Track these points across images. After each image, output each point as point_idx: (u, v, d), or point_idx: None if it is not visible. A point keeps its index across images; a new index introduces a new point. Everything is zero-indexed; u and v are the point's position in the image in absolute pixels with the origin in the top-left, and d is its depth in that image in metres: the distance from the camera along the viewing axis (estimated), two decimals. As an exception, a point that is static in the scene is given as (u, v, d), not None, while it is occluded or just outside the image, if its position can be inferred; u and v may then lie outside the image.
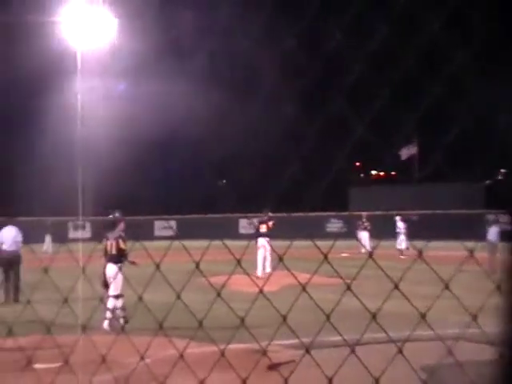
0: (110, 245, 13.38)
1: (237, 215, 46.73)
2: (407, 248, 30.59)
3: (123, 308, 12.99)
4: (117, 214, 13.91)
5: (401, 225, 32.67)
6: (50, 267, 3.64)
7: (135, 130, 38.31)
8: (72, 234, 48.72)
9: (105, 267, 13.14)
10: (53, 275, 3.63)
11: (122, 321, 12.82)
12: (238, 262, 2.74)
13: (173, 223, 48.59)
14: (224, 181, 48.05)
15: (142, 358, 3.41)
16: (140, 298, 2.87)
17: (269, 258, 22.58)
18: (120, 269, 12.99)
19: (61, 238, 36.94)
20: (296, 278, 2.80)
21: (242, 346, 8.70)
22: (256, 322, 3.54)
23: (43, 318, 3.72)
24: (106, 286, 12.97)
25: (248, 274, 3.08)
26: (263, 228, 23.02)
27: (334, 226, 50.00)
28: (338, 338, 3.76)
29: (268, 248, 22.37)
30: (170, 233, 47.06)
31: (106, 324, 12.79)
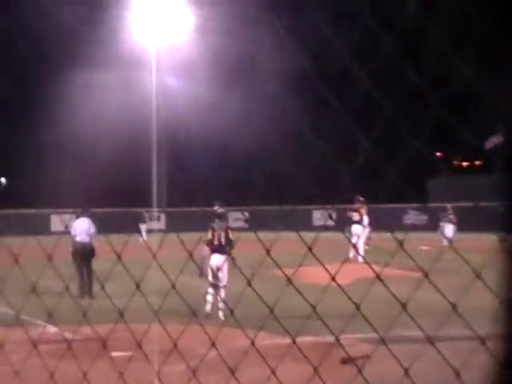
0: (219, 235, 13.37)
1: (316, 207, 46.48)
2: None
3: (223, 300, 13.04)
4: (217, 207, 13.95)
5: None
6: (132, 258, 3.68)
7: (209, 126, 38.64)
8: (149, 225, 49.63)
9: (208, 257, 13.17)
10: (129, 265, 3.67)
11: (220, 313, 12.91)
12: (310, 249, 2.69)
13: (247, 214, 48.83)
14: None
15: (214, 346, 3.41)
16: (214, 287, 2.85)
17: (360, 247, 22.45)
18: (225, 260, 13.07)
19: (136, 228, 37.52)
20: (373, 268, 2.73)
21: (314, 338, 8.64)
22: (328, 314, 3.49)
23: (118, 306, 3.77)
24: (205, 275, 13.01)
25: (322, 264, 3.01)
26: (356, 216, 23.06)
27: (413, 217, 48.51)
28: (413, 333, 3.67)
29: (362, 236, 22.37)
30: (242, 224, 47.41)
31: (221, 314, 12.89)
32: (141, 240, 33.06)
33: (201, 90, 42.15)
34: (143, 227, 36.94)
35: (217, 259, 13.18)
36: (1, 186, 60.19)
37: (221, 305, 13.07)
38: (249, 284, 2.76)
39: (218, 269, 13.12)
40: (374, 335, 3.26)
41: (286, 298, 3.68)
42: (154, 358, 7.23)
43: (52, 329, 11.00)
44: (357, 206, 23.19)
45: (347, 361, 8.07)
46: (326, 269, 2.89)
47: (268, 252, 2.69)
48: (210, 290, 13.22)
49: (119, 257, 3.21)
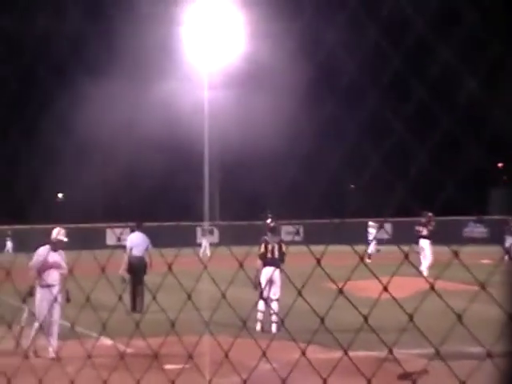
0: (272, 248, 13.35)
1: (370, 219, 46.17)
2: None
3: (276, 313, 13.00)
4: (270, 219, 13.93)
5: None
6: (186, 270, 3.68)
7: (259, 137, 38.74)
8: (200, 239, 49.86)
9: (259, 270, 13.19)
10: (183, 277, 3.67)
11: (273, 326, 12.89)
12: (361, 259, 2.64)
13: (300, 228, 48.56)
14: (352, 186, 47.65)
15: (266, 359, 3.37)
16: (264, 299, 2.82)
17: (424, 262, 22.30)
18: (280, 272, 13.02)
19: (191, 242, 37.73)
20: (428, 281, 2.66)
21: (369, 353, 8.49)
22: (382, 328, 3.41)
23: (171, 318, 3.77)
24: (258, 288, 12.97)
25: (377, 277, 2.95)
26: (424, 231, 23.01)
27: (473, 230, 47.12)
28: (471, 347, 3.54)
29: (426, 251, 22.23)
30: (295, 237, 47.12)
31: (274, 327, 12.82)
32: (201, 253, 33.08)
33: (252, 102, 42.34)
34: (204, 241, 36.86)
35: (270, 272, 13.15)
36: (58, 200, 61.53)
37: (273, 318, 13.03)
38: (299, 294, 2.72)
39: (271, 282, 13.10)
40: (429, 350, 3.17)
41: (339, 311, 3.62)
42: (205, 370, 7.22)
43: (106, 341, 11.15)
44: (424, 220, 23.08)
45: (403, 376, 7.90)
46: (381, 282, 2.83)
47: (318, 261, 2.65)
48: (261, 308, 13.18)
49: (170, 268, 3.21)
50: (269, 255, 13.35)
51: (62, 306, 10.85)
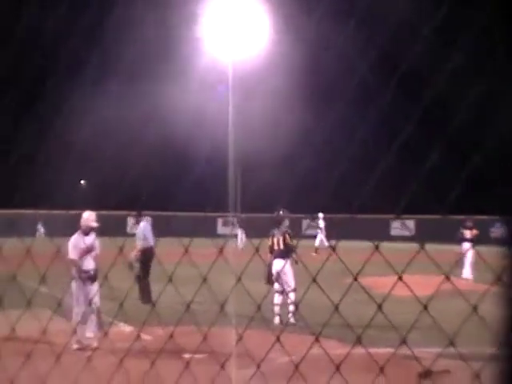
0: (277, 240, 13.49)
1: (391, 216, 45.82)
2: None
3: (294, 303, 13.11)
4: (281, 212, 14.07)
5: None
6: (204, 262, 3.69)
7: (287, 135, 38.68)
8: (221, 230, 49.94)
9: (270, 263, 13.32)
10: (202, 269, 3.67)
11: (290, 316, 12.92)
12: (377, 248, 2.62)
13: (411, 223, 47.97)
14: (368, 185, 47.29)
15: (286, 353, 3.36)
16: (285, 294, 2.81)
17: (467, 264, 22.41)
18: (287, 263, 13.16)
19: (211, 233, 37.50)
20: (451, 282, 2.63)
21: (391, 350, 8.43)
22: (405, 326, 3.38)
23: (191, 309, 3.77)
24: (271, 282, 13.15)
25: (400, 277, 2.91)
26: (468, 234, 23.09)
27: (500, 230, 46.82)
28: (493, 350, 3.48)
29: (469, 255, 22.29)
30: (407, 233, 46.87)
31: (291, 318, 12.75)
32: (238, 244, 32.62)
33: (273, 100, 42.27)
34: (239, 232, 36.32)
35: (279, 264, 13.27)
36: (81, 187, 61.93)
37: (291, 308, 13.09)
38: (314, 280, 2.70)
39: (282, 273, 13.19)
40: (452, 350, 3.14)
41: (362, 307, 3.59)
42: (224, 361, 7.22)
43: (127, 328, 11.22)
44: (470, 223, 23.18)
45: (423, 374, 7.82)
46: (405, 283, 2.80)
47: (334, 249, 2.63)
48: (277, 301, 13.25)
49: (187, 255, 3.21)
50: (275, 247, 13.52)
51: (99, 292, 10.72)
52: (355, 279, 2.63)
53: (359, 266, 2.92)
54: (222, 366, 3.28)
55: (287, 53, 39.25)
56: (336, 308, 2.68)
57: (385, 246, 3.10)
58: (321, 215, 33.70)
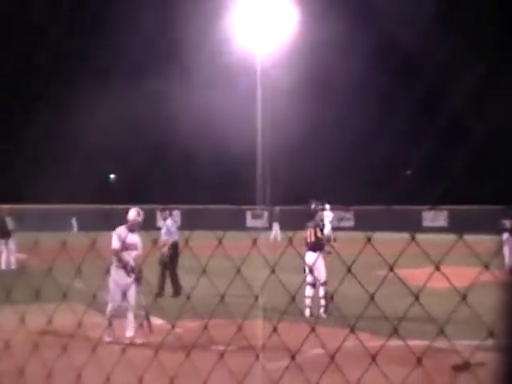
0: (309, 233, 13.70)
1: (427, 207, 45.28)
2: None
3: (325, 297, 13.18)
4: (313, 205, 14.16)
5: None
6: (234, 255, 3.70)
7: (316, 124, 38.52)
8: (250, 223, 50.00)
9: (305, 255, 13.47)
10: (232, 262, 3.68)
11: (322, 311, 13.05)
12: (414, 238, 2.59)
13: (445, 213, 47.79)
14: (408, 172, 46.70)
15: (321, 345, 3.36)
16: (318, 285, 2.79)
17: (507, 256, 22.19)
18: (319, 257, 13.24)
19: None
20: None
21: (424, 342, 8.39)
22: (440, 318, 3.36)
23: (227, 302, 3.79)
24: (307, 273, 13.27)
25: (437, 267, 2.88)
26: (508, 224, 22.91)
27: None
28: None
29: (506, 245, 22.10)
30: (439, 224, 46.25)
31: (322, 312, 13.01)
32: (272, 237, 32.51)
33: (303, 87, 42.14)
34: (275, 225, 36.08)
35: (310, 257, 13.34)
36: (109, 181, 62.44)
37: (322, 302, 13.14)
38: (349, 270, 2.69)
39: (313, 266, 13.22)
40: (489, 342, 3.10)
41: (396, 300, 3.57)
42: (255, 353, 7.25)
43: (158, 321, 11.32)
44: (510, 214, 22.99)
45: (458, 367, 7.73)
46: (443, 274, 2.77)
47: (369, 240, 2.62)
48: (308, 293, 13.31)
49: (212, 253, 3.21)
50: (308, 240, 13.68)
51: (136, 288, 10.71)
52: (391, 270, 2.61)
53: (393, 257, 2.91)
54: (257, 357, 3.29)
55: (316, 40, 38.99)
56: (372, 298, 2.67)
57: (417, 237, 3.07)
58: (327, 207, 33.39)
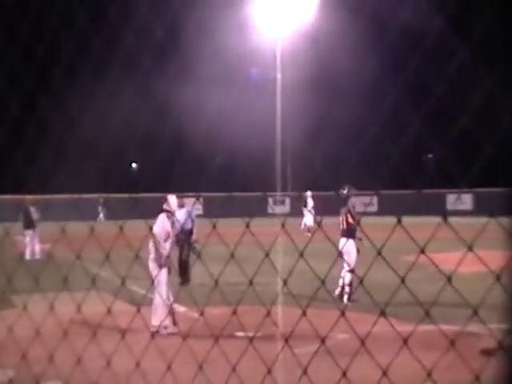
0: (342, 219, 13.64)
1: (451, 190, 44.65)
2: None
3: (350, 284, 13.18)
4: (345, 191, 13.99)
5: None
6: (256, 241, 3.70)
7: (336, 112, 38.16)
8: (271, 209, 49.96)
9: (338, 242, 13.42)
10: (256, 248, 3.68)
11: (345, 297, 13.06)
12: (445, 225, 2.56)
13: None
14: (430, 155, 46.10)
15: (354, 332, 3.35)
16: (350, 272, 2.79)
17: None
18: (350, 243, 13.23)
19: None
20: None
21: (450, 327, 8.36)
22: (466, 302, 3.32)
23: (242, 288, 3.79)
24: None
25: (470, 248, 2.84)
26: None
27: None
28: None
29: None
30: (464, 207, 46.06)
31: (345, 298, 13.00)
32: (303, 225, 31.92)
33: (324, 76, 41.94)
34: (306, 211, 35.49)
35: (341, 243, 13.25)
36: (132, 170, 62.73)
37: (347, 289, 13.09)
38: (378, 253, 2.67)
39: (344, 252, 13.13)
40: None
41: (419, 284, 3.54)
42: (278, 339, 7.26)
43: (180, 309, 11.39)
44: None
45: (488, 351, 7.65)
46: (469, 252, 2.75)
47: (397, 226, 2.60)
48: (342, 274, 13.29)
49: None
50: (340, 226, 13.64)
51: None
52: (422, 252, 2.59)
53: (420, 242, 2.88)
54: (287, 341, 3.29)
55: (337, 31, 38.74)
56: (402, 281, 2.66)
57: (442, 221, 3.03)
58: (309, 193, 32.87)
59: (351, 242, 13.24)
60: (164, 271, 10.38)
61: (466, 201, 47.99)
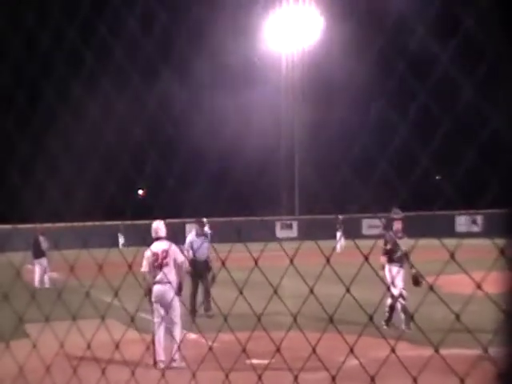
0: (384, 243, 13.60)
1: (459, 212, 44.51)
2: None
3: (391, 308, 13.14)
4: (394, 213, 13.84)
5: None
6: (267, 265, 3.69)
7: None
8: (279, 234, 49.88)
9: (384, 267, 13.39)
10: (267, 273, 3.67)
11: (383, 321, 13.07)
12: (452, 256, 2.56)
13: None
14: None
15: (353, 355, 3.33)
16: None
17: None
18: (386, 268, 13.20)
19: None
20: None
21: (459, 350, 8.26)
22: (476, 325, 3.29)
23: (256, 312, 3.78)
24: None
25: (466, 273, 2.86)
26: None
27: None
28: None
29: None
30: (474, 229, 45.95)
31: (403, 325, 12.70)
32: (338, 248, 31.76)
33: (331, 91, 42.06)
34: (339, 234, 35.19)
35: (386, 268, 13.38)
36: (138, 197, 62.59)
37: (386, 312, 13.16)
38: (431, 288, 2.66)
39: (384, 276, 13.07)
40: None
41: (430, 307, 3.52)
42: (291, 365, 7.18)
43: (191, 335, 11.34)
44: None
45: (499, 376, 7.57)
46: (472, 279, 2.75)
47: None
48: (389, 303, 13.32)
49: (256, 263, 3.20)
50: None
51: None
52: (478, 287, 2.56)
53: (428, 265, 2.88)
54: (296, 378, 3.26)
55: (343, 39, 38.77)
56: (457, 318, 2.63)
57: (449, 242, 3.03)
58: (340, 217, 32.97)
59: (388, 267, 13.19)
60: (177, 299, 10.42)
61: (475, 222, 47.71)
